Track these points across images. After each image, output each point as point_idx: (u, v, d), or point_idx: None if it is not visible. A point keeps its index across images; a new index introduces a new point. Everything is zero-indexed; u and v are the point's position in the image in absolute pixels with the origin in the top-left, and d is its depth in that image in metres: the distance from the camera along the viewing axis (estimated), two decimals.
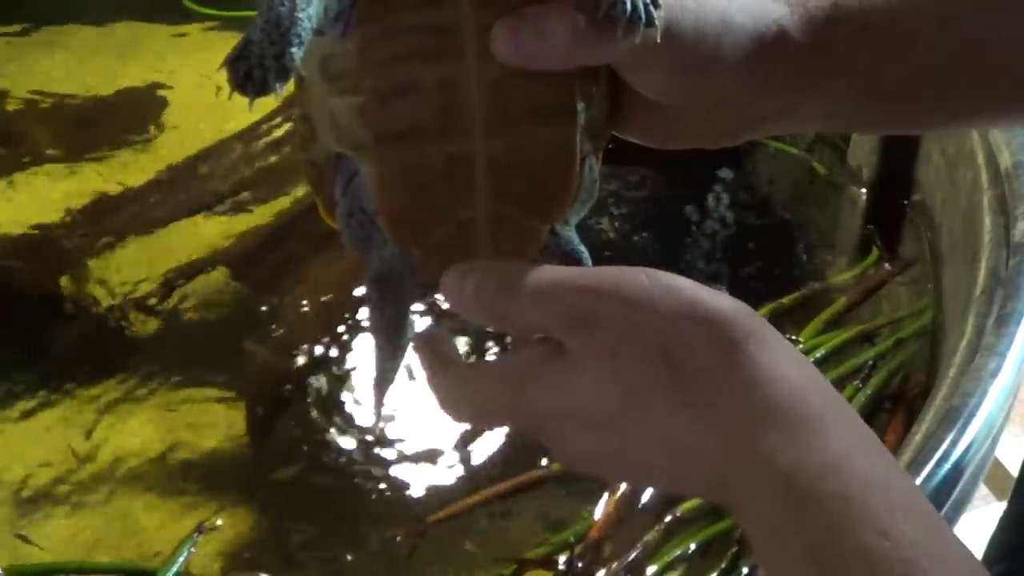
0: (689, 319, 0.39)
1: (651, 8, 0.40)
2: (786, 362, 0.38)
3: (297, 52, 0.38)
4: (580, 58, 0.41)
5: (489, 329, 0.46)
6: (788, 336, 0.91)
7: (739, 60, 0.43)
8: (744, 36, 0.43)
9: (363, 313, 0.95)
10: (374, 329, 0.50)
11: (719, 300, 0.40)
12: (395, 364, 0.52)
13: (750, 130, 0.47)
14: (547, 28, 0.40)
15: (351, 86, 0.43)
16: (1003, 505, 1.31)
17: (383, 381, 0.52)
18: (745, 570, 0.74)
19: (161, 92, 1.23)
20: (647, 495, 0.79)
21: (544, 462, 0.82)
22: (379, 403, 0.54)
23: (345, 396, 0.89)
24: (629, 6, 0.39)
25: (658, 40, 0.40)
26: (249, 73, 0.37)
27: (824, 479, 0.36)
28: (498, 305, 0.43)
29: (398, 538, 0.79)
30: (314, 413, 0.88)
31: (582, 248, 0.48)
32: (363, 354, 0.92)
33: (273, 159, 1.14)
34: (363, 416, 0.87)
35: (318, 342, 0.93)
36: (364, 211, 0.46)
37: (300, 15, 0.38)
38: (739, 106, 0.45)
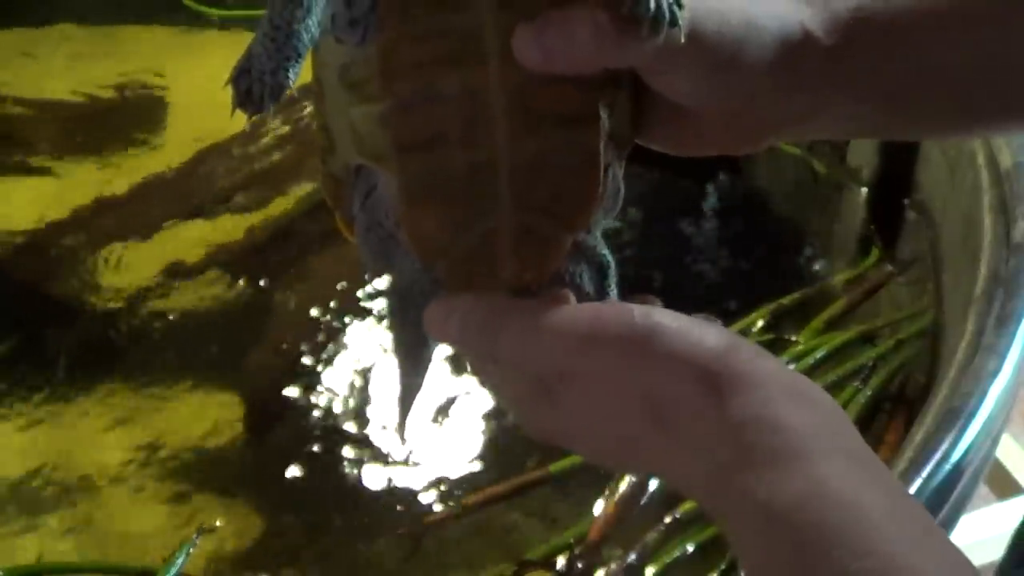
0: (674, 367, 0.39)
1: (675, 8, 0.39)
2: (769, 398, 0.39)
3: (294, 67, 0.37)
4: (604, 60, 0.41)
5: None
6: (788, 336, 0.91)
7: (764, 61, 0.42)
8: (768, 37, 0.42)
9: (363, 313, 0.95)
10: (396, 345, 0.49)
11: (706, 340, 0.40)
12: (418, 380, 0.51)
13: (774, 134, 0.46)
14: (571, 30, 0.40)
15: (371, 94, 0.42)
16: (1004, 505, 1.31)
17: (407, 397, 0.51)
18: (744, 572, 0.74)
19: (161, 92, 1.23)
20: (647, 496, 0.79)
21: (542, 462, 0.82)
22: (403, 420, 0.53)
23: (345, 396, 0.89)
24: (653, 5, 0.39)
25: (682, 40, 0.39)
26: (250, 90, 0.36)
27: (800, 509, 0.36)
28: (481, 343, 0.43)
29: (398, 538, 0.79)
30: (314, 413, 0.88)
31: (606, 253, 0.47)
32: (363, 354, 0.92)
33: (273, 159, 1.14)
34: (363, 416, 0.87)
35: (317, 342, 0.93)
36: (383, 225, 0.45)
37: (298, 27, 0.37)
38: (764, 109, 0.44)
